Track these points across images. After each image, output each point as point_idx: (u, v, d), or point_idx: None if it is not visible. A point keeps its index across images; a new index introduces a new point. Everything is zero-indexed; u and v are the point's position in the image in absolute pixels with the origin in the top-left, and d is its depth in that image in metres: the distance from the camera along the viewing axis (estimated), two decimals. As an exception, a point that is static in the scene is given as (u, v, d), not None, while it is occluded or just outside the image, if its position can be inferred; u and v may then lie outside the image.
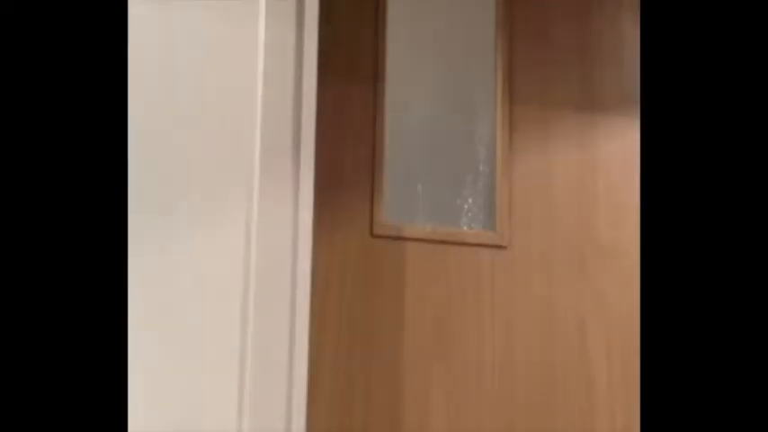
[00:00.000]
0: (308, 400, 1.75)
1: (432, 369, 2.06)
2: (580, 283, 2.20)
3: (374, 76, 2.14)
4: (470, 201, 2.18)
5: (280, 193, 1.74)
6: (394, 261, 2.08)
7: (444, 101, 2.21)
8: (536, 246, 2.19)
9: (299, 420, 1.68)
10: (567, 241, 2.21)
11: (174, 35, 1.73)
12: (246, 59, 1.76)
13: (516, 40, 2.26)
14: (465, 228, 2.16)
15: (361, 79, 2.13)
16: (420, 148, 2.17)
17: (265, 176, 1.73)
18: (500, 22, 2.25)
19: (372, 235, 2.08)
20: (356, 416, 2.00)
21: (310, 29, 1.82)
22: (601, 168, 2.26)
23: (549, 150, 2.24)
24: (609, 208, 2.25)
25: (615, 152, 2.28)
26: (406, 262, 2.09)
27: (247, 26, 1.77)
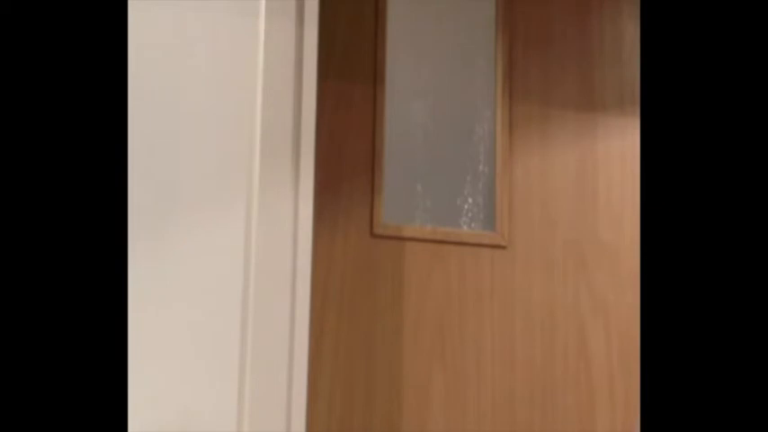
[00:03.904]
0: (308, 401, 1.75)
1: (432, 369, 2.06)
2: (580, 283, 2.20)
3: (374, 76, 2.14)
4: (470, 201, 2.18)
5: (280, 193, 1.74)
6: (394, 261, 2.08)
7: (444, 101, 2.21)
8: (536, 246, 2.19)
9: (299, 420, 1.68)
10: (567, 241, 2.21)
11: (174, 35, 1.73)
12: (246, 59, 1.76)
13: (516, 39, 2.26)
14: (465, 228, 2.16)
15: (361, 79, 2.13)
16: (420, 148, 2.17)
17: (265, 176, 1.73)
18: (500, 22, 2.25)
19: (372, 235, 2.08)
20: (356, 416, 2.00)
21: (310, 28, 1.82)
22: (601, 168, 2.26)
23: (549, 150, 2.24)
24: (609, 208, 2.25)
25: (615, 152, 2.28)
26: (406, 262, 2.09)
27: (247, 26, 1.77)
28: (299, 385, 1.70)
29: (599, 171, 2.26)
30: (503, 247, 2.16)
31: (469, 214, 2.17)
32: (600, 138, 2.28)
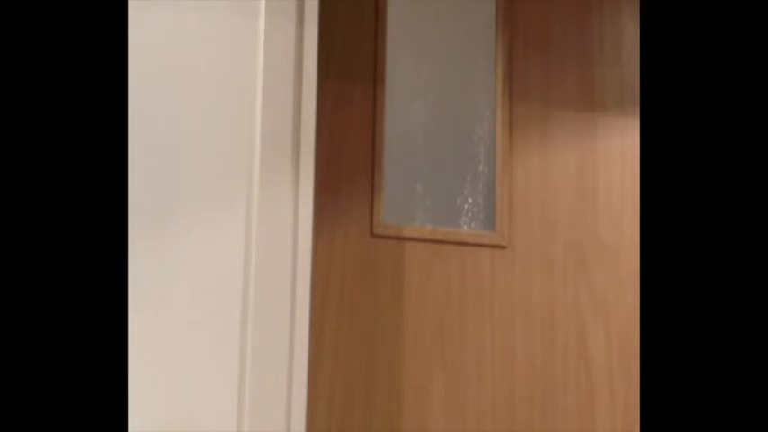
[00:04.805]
0: (308, 401, 1.75)
1: (432, 369, 2.06)
2: (580, 283, 2.20)
3: (374, 76, 2.14)
4: (470, 201, 2.18)
5: (280, 193, 1.74)
6: (394, 261, 2.08)
7: (444, 101, 2.21)
8: (536, 246, 2.19)
9: (299, 420, 1.68)
10: (567, 241, 2.21)
11: (173, 35, 1.73)
12: (246, 59, 1.76)
13: (516, 39, 2.26)
14: (465, 228, 2.16)
15: (361, 79, 2.13)
16: (420, 148, 2.17)
17: (265, 176, 1.73)
18: (500, 22, 2.25)
19: (372, 235, 2.08)
20: (356, 416, 2.00)
21: (310, 28, 1.82)
22: (601, 168, 2.26)
23: (549, 150, 2.24)
24: (609, 208, 2.25)
25: (615, 152, 2.28)
26: (406, 262, 2.09)
27: (247, 26, 1.77)
28: (299, 385, 1.70)
29: (599, 171, 2.26)
30: (503, 247, 2.16)
31: (469, 214, 2.17)
32: (600, 138, 2.28)
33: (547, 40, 2.29)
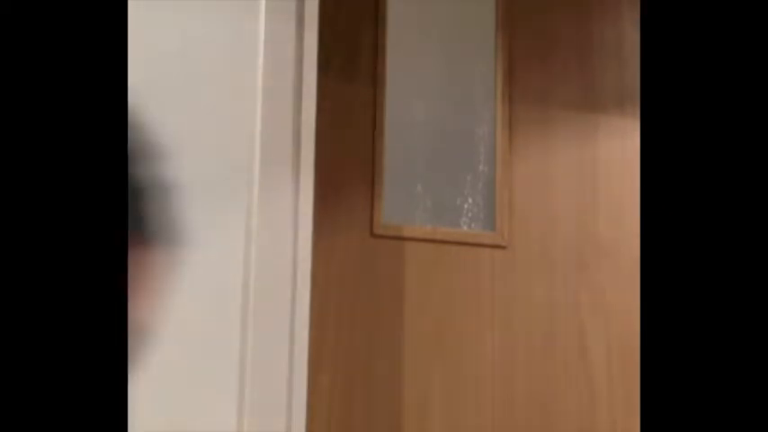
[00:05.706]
0: (308, 400, 1.75)
1: (432, 369, 2.06)
2: (580, 283, 2.20)
3: (374, 76, 2.14)
4: (470, 201, 2.18)
5: (280, 194, 1.74)
6: (394, 261, 2.08)
7: (444, 101, 2.21)
8: (536, 246, 2.19)
9: (299, 420, 1.68)
10: (567, 241, 2.21)
11: (174, 36, 1.73)
12: (246, 59, 1.76)
13: (516, 40, 2.26)
14: (465, 228, 2.16)
15: (361, 79, 2.13)
16: (420, 148, 2.17)
17: (265, 176, 1.73)
18: (500, 23, 2.26)
19: (372, 235, 2.08)
20: (356, 416, 2.00)
21: (310, 28, 1.82)
22: (601, 168, 2.26)
23: (549, 150, 2.24)
24: (609, 208, 2.25)
25: (615, 152, 2.28)
26: (406, 262, 2.09)
27: (248, 26, 1.77)
28: (299, 385, 1.70)
29: (599, 171, 2.26)
30: (503, 247, 2.16)
31: (469, 214, 2.17)
32: (600, 138, 2.28)
33: (547, 41, 2.29)
